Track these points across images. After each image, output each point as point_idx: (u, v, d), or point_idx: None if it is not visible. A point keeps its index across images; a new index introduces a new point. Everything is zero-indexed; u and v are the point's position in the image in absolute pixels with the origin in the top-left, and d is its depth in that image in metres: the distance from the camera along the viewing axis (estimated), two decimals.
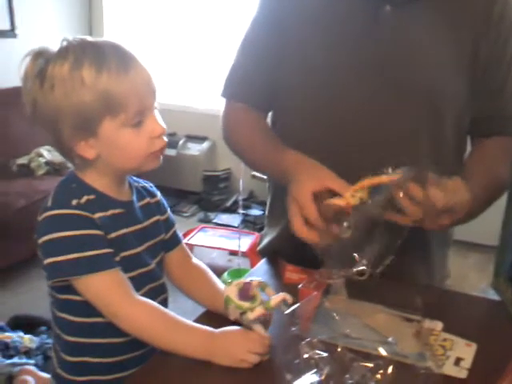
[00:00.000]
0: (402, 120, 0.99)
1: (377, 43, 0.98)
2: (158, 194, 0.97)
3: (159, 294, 0.92)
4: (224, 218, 3.52)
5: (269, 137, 1.07)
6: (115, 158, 0.82)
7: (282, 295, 0.82)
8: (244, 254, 2.79)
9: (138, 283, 0.86)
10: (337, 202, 0.86)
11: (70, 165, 0.88)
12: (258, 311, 0.80)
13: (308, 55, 1.01)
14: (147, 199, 0.93)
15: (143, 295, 0.85)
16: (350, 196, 0.85)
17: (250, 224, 3.38)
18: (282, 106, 1.09)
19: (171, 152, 3.74)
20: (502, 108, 1.05)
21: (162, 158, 0.87)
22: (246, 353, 0.78)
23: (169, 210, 0.98)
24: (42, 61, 0.79)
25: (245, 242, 2.82)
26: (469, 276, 2.73)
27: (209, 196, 3.73)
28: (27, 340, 1.99)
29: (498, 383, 0.70)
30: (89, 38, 0.81)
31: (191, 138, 3.83)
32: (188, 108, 3.85)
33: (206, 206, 3.69)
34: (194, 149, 3.78)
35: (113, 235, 0.83)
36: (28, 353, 1.95)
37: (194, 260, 0.99)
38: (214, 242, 2.98)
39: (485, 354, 0.82)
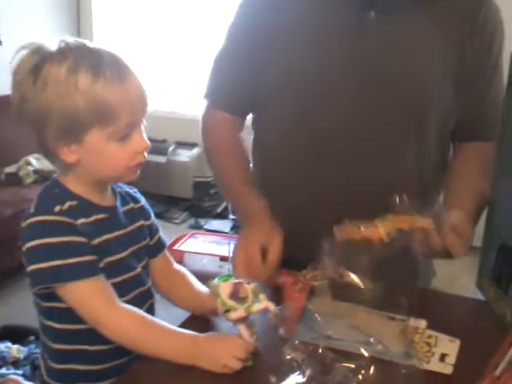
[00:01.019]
0: (388, 123, 1.00)
1: (361, 48, 0.98)
2: (142, 199, 0.97)
3: (147, 298, 0.92)
4: (215, 224, 3.52)
5: (241, 166, 1.10)
6: (95, 166, 0.82)
7: (265, 303, 0.83)
8: None
9: (126, 288, 0.86)
10: (368, 233, 0.85)
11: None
12: (240, 312, 0.81)
13: (293, 58, 1.02)
14: (131, 204, 0.93)
15: (132, 300, 0.85)
16: (384, 232, 0.84)
17: (240, 229, 3.37)
18: (265, 110, 1.09)
19: (161, 159, 3.74)
20: (485, 112, 1.06)
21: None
22: (229, 358, 0.78)
23: (153, 215, 0.97)
24: (37, 57, 0.78)
25: None
26: (459, 277, 2.74)
27: (199, 202, 3.72)
28: (15, 350, 1.97)
29: (478, 382, 0.70)
30: (88, 44, 0.81)
31: (181, 144, 3.83)
32: (177, 114, 3.85)
33: (197, 212, 3.68)
34: (184, 155, 3.78)
35: (96, 241, 0.82)
36: (16, 363, 1.93)
37: (175, 265, 0.99)
38: (204, 248, 2.98)
39: (468, 350, 0.83)
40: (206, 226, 3.49)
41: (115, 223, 0.87)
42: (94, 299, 0.79)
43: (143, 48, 3.95)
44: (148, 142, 0.84)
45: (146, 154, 0.84)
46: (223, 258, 2.93)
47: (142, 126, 0.84)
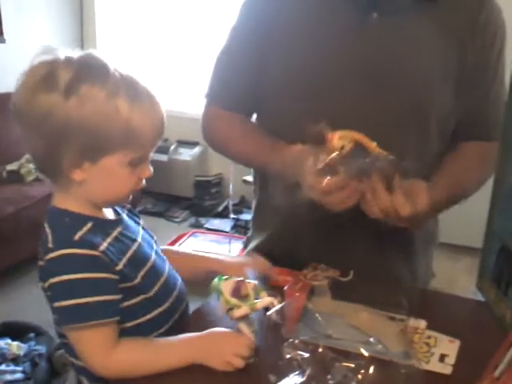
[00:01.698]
0: (389, 123, 1.00)
1: (363, 48, 0.98)
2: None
3: (183, 286, 0.93)
4: (215, 223, 3.52)
5: (263, 134, 1.07)
6: (99, 187, 0.81)
7: (269, 299, 0.83)
8: None
9: (168, 290, 0.87)
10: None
11: None
12: (244, 310, 0.81)
13: (295, 58, 1.02)
14: (125, 210, 0.93)
15: (176, 300, 0.88)
16: (338, 138, 0.85)
17: (241, 229, 3.38)
18: (267, 109, 1.09)
19: (162, 157, 3.74)
20: (486, 113, 1.06)
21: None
22: (232, 355, 0.78)
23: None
24: (69, 73, 0.76)
25: (236, 247, 2.82)
26: (459, 279, 2.74)
27: (200, 201, 3.72)
28: (15, 347, 1.97)
29: (478, 383, 0.71)
30: (127, 70, 0.81)
31: (182, 143, 3.83)
32: (179, 113, 3.85)
33: (198, 211, 3.69)
34: (186, 154, 3.78)
35: (127, 256, 0.82)
36: (15, 360, 1.93)
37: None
38: (205, 247, 2.98)
39: (468, 351, 0.83)
40: (206, 225, 3.50)
41: (131, 233, 0.87)
42: (92, 347, 0.78)
43: (145, 47, 3.96)
44: (152, 171, 0.85)
45: (144, 182, 0.85)
46: None
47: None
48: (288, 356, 0.75)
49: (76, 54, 0.79)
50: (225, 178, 3.73)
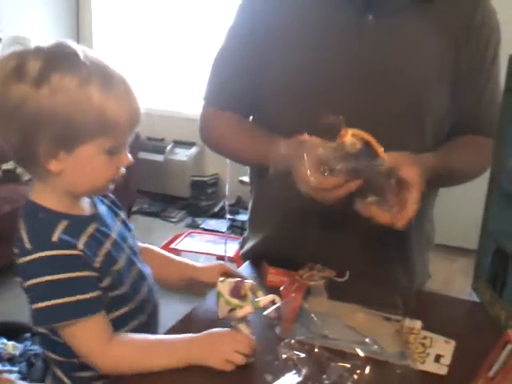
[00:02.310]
0: (386, 124, 1.00)
1: (360, 50, 0.99)
2: (108, 193, 0.95)
3: (152, 285, 0.93)
4: (211, 224, 3.52)
5: (259, 130, 1.08)
6: (77, 177, 0.81)
7: (271, 296, 0.83)
8: (231, 259, 2.79)
9: (138, 286, 0.87)
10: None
11: None
12: (247, 309, 0.81)
13: (292, 60, 1.02)
14: (105, 202, 0.92)
15: (146, 296, 0.88)
16: (351, 135, 0.86)
17: (237, 229, 3.38)
18: (264, 110, 1.09)
19: (159, 157, 3.74)
20: (481, 114, 1.07)
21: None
22: (233, 353, 0.78)
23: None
24: (39, 63, 0.75)
25: (232, 247, 2.82)
26: (456, 280, 2.76)
27: (196, 201, 3.72)
28: (10, 347, 1.97)
29: (473, 383, 0.71)
30: (98, 55, 0.80)
31: (179, 143, 3.83)
32: (176, 113, 3.85)
33: (194, 211, 3.69)
34: (182, 154, 3.78)
35: (102, 253, 0.82)
36: (11, 360, 1.93)
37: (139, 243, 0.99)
38: (201, 247, 2.98)
39: (463, 351, 0.84)
40: (202, 225, 3.50)
41: (106, 229, 0.86)
42: (88, 340, 0.79)
43: (142, 47, 3.95)
44: (131, 159, 0.84)
45: (123, 170, 0.84)
46: (220, 258, 2.93)
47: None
48: (284, 356, 0.75)
49: (47, 43, 0.78)
50: (221, 179, 3.73)
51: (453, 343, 0.86)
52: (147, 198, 3.81)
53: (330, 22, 1.01)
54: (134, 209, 3.68)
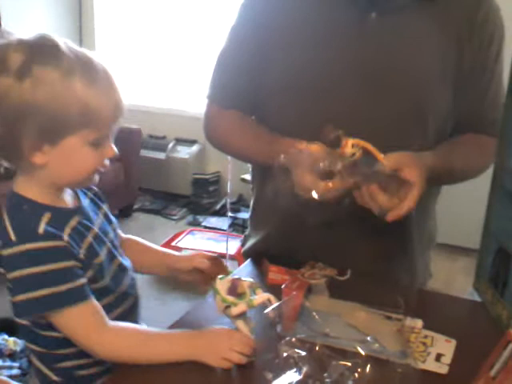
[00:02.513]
0: (388, 123, 1.00)
1: (362, 48, 0.99)
2: (93, 186, 0.95)
3: (134, 280, 0.93)
4: (213, 221, 3.52)
5: (262, 128, 1.08)
6: (61, 169, 0.81)
7: (266, 295, 0.83)
8: (232, 257, 2.79)
9: (119, 280, 0.87)
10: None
11: None
12: (241, 307, 0.81)
13: (295, 58, 1.02)
14: (89, 194, 0.93)
15: (127, 289, 0.88)
16: (351, 145, 0.88)
17: (238, 227, 3.38)
18: (267, 109, 1.09)
19: (160, 155, 3.74)
20: (484, 113, 1.07)
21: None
22: (230, 351, 0.78)
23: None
24: (22, 55, 0.76)
25: (233, 245, 2.82)
26: (456, 279, 2.75)
27: (198, 199, 3.72)
28: (11, 343, 1.97)
29: (474, 383, 0.71)
30: (79, 48, 0.80)
31: (180, 141, 3.83)
32: (177, 111, 3.85)
33: (195, 209, 3.68)
34: (184, 152, 3.77)
35: (84, 246, 0.82)
36: (12, 355, 1.93)
37: (122, 234, 0.99)
38: (202, 245, 2.98)
39: (464, 351, 0.84)
40: (204, 223, 3.50)
41: (88, 222, 0.86)
42: (84, 326, 0.80)
43: (143, 45, 3.95)
44: (116, 150, 0.84)
45: (108, 162, 0.85)
46: (221, 255, 2.93)
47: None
48: (285, 354, 0.75)
49: (29, 36, 0.78)
50: (223, 177, 3.73)
51: (454, 342, 0.86)
52: (149, 195, 3.81)
53: (332, 20, 1.00)
54: (136, 206, 3.68)
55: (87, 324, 0.80)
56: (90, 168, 0.82)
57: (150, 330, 0.84)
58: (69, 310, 0.79)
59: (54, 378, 0.87)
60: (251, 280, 0.86)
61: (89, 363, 0.86)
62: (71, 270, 0.79)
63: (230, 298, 0.82)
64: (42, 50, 0.77)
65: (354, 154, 0.88)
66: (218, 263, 0.95)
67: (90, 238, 0.84)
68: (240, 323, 0.82)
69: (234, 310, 0.81)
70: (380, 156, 0.89)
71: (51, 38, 0.78)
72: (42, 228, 0.78)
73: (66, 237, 0.80)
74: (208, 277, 0.92)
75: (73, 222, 0.83)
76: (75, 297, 0.79)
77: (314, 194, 0.88)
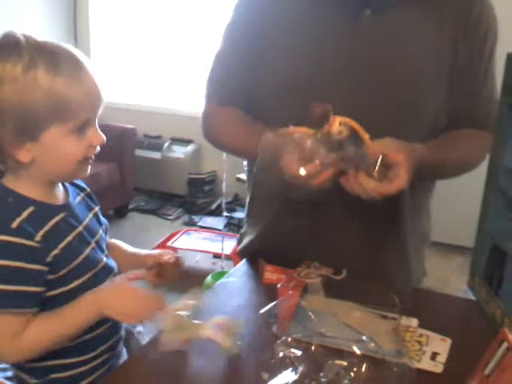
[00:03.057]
0: (383, 120, 1.00)
1: (357, 45, 0.99)
2: (86, 186, 0.96)
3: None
4: (208, 221, 3.52)
5: (254, 121, 1.08)
6: (49, 163, 0.81)
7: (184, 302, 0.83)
8: (228, 257, 2.79)
9: (99, 280, 0.86)
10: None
11: None
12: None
13: (290, 57, 1.02)
14: (81, 194, 0.93)
15: None
16: (338, 124, 0.86)
17: (234, 227, 3.38)
18: (263, 108, 1.09)
19: (156, 155, 3.73)
20: (479, 107, 1.07)
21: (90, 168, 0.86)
22: (136, 309, 0.81)
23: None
24: None
25: (228, 245, 2.82)
26: (451, 278, 2.76)
27: (193, 199, 3.72)
28: None
29: (468, 381, 0.71)
30: (41, 39, 0.79)
31: (176, 140, 3.83)
32: (173, 111, 3.85)
33: (191, 208, 3.68)
34: (179, 151, 3.77)
35: (61, 246, 0.82)
36: None
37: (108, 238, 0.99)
38: (198, 245, 2.98)
39: (459, 349, 0.84)
40: (199, 223, 3.50)
41: (74, 220, 0.86)
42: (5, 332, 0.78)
43: (139, 44, 3.94)
44: (103, 136, 0.83)
45: (98, 148, 0.84)
46: (216, 255, 2.93)
47: (96, 121, 0.83)
48: (281, 354, 0.75)
49: None
50: (218, 176, 3.73)
51: (449, 341, 0.86)
52: (144, 195, 3.81)
53: (326, 18, 1.00)
54: (131, 206, 3.67)
55: (4, 332, 0.78)
56: (77, 157, 0.81)
57: (53, 312, 0.81)
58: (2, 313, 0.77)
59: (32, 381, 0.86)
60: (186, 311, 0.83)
61: (65, 364, 0.85)
62: (27, 273, 0.78)
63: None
64: (1, 48, 0.76)
65: (340, 133, 0.86)
66: (176, 262, 0.94)
67: (70, 237, 0.84)
68: (215, 334, 0.79)
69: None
70: (366, 136, 0.88)
71: (12, 34, 0.77)
72: (16, 223, 0.78)
73: (38, 237, 0.79)
74: (164, 272, 0.92)
75: (55, 219, 0.82)
76: (14, 301, 0.77)
77: (298, 178, 0.86)
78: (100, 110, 0.83)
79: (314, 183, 0.87)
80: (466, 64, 1.02)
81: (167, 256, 0.95)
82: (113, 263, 0.93)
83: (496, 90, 0.99)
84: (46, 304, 0.81)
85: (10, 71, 0.75)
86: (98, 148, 0.84)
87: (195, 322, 0.81)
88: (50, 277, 0.81)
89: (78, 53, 0.80)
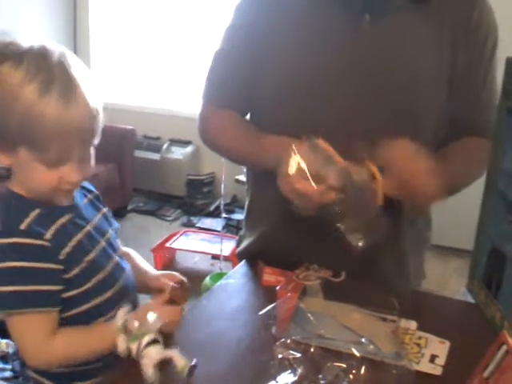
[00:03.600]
0: (383, 125, 1.00)
1: (357, 50, 0.99)
2: (94, 188, 0.95)
3: (132, 282, 0.93)
4: (207, 223, 3.52)
5: (251, 126, 1.08)
6: (25, 179, 0.80)
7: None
8: (226, 258, 2.79)
9: (112, 279, 0.87)
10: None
11: None
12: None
13: (290, 61, 1.02)
14: (88, 196, 0.92)
15: (121, 290, 0.87)
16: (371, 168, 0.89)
17: (232, 228, 3.38)
18: (262, 112, 1.09)
19: (155, 156, 3.74)
20: (479, 112, 1.07)
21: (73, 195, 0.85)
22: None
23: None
24: None
25: (227, 246, 2.82)
26: (450, 281, 2.77)
27: (192, 200, 3.72)
28: (4, 345, 1.95)
29: (468, 382, 0.71)
30: (47, 48, 0.76)
31: (175, 142, 3.83)
32: (172, 112, 3.85)
33: (190, 210, 3.68)
34: (178, 153, 3.78)
35: (70, 245, 0.81)
36: (5, 357, 1.92)
37: (123, 248, 0.99)
38: (196, 246, 2.98)
39: (458, 352, 0.84)
40: (198, 224, 3.50)
41: (81, 220, 0.86)
42: (32, 333, 0.78)
43: (138, 45, 3.95)
44: (79, 178, 0.80)
45: (81, 184, 0.83)
46: (215, 256, 2.93)
47: (92, 150, 0.81)
48: (280, 356, 0.75)
49: None
50: (217, 177, 3.73)
51: (448, 344, 0.86)
52: (143, 196, 3.81)
53: (326, 22, 1.00)
54: (130, 207, 3.67)
55: (36, 333, 0.78)
56: (44, 186, 0.78)
57: (79, 330, 0.82)
58: (23, 313, 0.77)
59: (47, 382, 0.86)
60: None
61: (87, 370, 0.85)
62: (43, 272, 0.78)
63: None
64: (3, 54, 0.75)
65: (361, 174, 0.87)
66: (181, 288, 0.91)
67: (79, 236, 0.83)
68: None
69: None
70: (379, 179, 0.88)
71: (16, 42, 0.76)
72: (25, 224, 0.78)
73: (48, 235, 0.79)
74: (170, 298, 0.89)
75: (62, 220, 0.82)
76: (35, 301, 0.77)
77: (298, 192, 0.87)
78: (96, 140, 0.80)
79: (308, 204, 0.87)
80: (465, 69, 1.02)
81: (173, 281, 0.92)
82: (125, 264, 0.93)
83: (496, 95, 0.99)
84: (64, 306, 0.81)
85: (6, 74, 0.73)
86: (79, 183, 0.82)
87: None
88: (64, 276, 0.81)
89: (76, 74, 0.75)
